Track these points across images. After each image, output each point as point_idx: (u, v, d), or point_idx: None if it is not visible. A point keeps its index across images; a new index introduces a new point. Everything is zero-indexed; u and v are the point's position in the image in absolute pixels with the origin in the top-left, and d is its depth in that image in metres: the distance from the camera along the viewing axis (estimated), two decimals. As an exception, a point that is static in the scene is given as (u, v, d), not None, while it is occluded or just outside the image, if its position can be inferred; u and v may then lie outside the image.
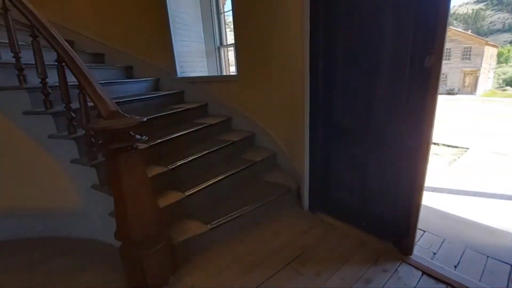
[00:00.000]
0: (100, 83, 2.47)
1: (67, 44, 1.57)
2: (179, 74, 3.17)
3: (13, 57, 1.69)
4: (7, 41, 1.67)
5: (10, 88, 1.72)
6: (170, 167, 2.00)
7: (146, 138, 1.40)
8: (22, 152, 1.84)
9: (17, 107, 1.74)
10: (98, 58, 3.15)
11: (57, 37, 1.56)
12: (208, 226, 1.78)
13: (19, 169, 1.91)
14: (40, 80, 1.67)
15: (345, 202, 1.92)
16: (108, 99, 1.43)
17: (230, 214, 1.91)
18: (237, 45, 2.73)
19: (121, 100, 2.41)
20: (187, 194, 1.90)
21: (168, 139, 2.25)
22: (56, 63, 1.57)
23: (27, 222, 1.99)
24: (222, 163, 2.41)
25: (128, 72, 3.20)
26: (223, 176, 2.18)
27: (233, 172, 2.27)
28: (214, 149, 2.38)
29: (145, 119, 1.35)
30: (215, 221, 1.83)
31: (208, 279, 1.53)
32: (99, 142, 1.26)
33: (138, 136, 1.36)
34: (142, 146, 1.95)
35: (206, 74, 3.58)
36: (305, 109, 1.92)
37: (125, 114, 1.30)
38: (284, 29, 2.18)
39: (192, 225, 1.79)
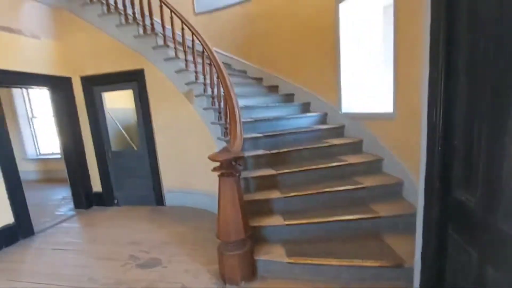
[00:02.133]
0: (279, 117, 3.31)
1: (233, 91, 2.40)
2: (343, 110, 3.29)
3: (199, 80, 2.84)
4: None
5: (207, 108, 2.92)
6: (286, 195, 2.32)
7: (242, 168, 1.89)
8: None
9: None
10: (289, 97, 4.06)
11: (228, 83, 2.43)
12: (287, 259, 1.92)
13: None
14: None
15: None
16: (239, 136, 2.07)
17: (317, 259, 1.89)
18: (396, 81, 2.43)
19: (284, 132, 3.05)
20: (286, 223, 2.14)
21: (300, 170, 2.55)
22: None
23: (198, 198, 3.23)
24: (343, 206, 2.31)
25: (306, 108, 3.81)
26: (334, 219, 2.14)
27: (347, 218, 2.14)
28: (338, 189, 2.35)
29: (243, 155, 1.85)
30: (298, 258, 1.92)
31: (263, 302, 1.73)
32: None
33: (238, 166, 1.90)
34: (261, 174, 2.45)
35: (380, 110, 3.36)
36: (421, 171, 1.45)
37: (230, 150, 1.88)
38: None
39: (277, 251, 2.02)
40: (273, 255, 1.98)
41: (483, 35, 1.01)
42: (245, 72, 4.59)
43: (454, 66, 1.21)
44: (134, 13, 3.19)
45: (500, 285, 0.95)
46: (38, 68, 3.05)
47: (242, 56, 4.66)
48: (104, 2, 3.19)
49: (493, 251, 0.98)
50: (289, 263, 1.91)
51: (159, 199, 3.60)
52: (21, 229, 2.85)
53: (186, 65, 3.16)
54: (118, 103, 3.89)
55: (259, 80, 4.45)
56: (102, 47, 3.32)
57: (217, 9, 4.51)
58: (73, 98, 3.46)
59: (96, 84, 3.45)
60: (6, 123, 2.72)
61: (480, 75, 1.04)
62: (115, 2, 3.21)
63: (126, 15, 3.19)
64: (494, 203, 0.98)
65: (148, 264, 2.26)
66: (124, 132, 3.94)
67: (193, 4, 4.62)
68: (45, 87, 3.24)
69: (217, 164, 1.87)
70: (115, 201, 3.73)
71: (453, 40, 1.18)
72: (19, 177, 2.85)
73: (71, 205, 3.82)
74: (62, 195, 4.48)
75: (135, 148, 3.91)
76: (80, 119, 3.56)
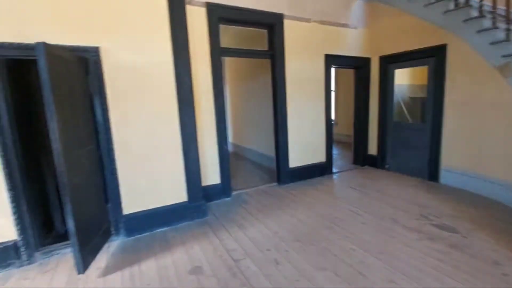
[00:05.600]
0: None
1: None
2: None
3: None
4: None
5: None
6: None
7: None
8: None
9: None
10: None
11: None
12: None
13: None
14: None
15: None
16: None
17: None
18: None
19: None
20: None
21: None
22: None
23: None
24: None
25: None
26: None
27: None
28: None
29: None
30: None
31: None
32: None
33: None
34: None
35: None
36: None
37: None
38: None
39: None
40: None
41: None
42: None
43: None
44: (448, -11, 3.15)
45: None
46: (353, 52, 4.01)
47: None
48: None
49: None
50: None
51: (433, 174, 3.68)
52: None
53: (508, 35, 2.74)
54: (402, 80, 4.22)
55: None
56: (402, 28, 3.69)
57: None
58: (369, 75, 4.22)
59: (391, 62, 3.94)
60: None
61: None
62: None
63: (438, -8, 3.23)
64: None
65: (443, 227, 2.51)
66: (403, 105, 4.28)
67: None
68: (352, 67, 4.20)
69: None
70: (386, 166, 4.29)
71: None
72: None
73: (346, 161, 4.89)
74: (335, 152, 5.83)
75: (410, 121, 4.16)
76: (371, 92, 4.30)
